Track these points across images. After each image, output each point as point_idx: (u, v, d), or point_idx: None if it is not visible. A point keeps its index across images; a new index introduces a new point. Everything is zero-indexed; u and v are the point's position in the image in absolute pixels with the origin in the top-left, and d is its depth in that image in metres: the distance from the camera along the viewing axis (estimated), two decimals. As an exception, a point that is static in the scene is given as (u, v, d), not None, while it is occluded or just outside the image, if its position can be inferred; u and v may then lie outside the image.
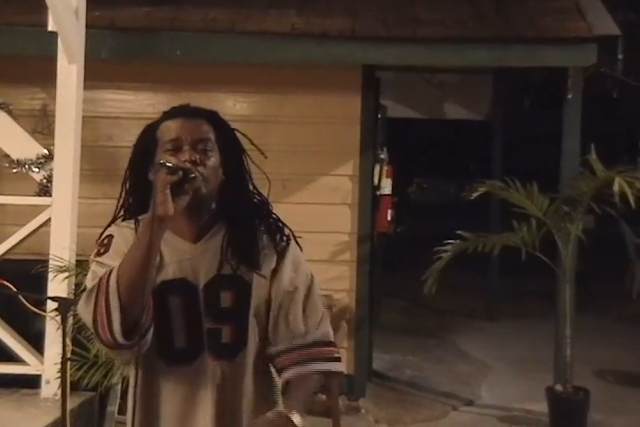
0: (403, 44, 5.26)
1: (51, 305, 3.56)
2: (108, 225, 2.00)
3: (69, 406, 3.30)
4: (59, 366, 3.22)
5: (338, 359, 2.03)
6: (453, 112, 8.54)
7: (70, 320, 3.65)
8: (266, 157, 2.05)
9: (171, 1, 5.44)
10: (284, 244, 1.99)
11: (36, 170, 4.30)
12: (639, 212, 5.25)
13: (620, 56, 5.03)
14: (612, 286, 9.41)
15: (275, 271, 1.96)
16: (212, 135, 1.94)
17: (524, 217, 5.17)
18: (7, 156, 4.34)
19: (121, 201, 2.00)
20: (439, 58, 5.44)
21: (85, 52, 4.30)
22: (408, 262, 8.70)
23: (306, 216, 4.77)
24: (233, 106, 5.40)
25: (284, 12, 5.37)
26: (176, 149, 1.89)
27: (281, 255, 1.98)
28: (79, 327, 3.80)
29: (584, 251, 5.30)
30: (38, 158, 4.31)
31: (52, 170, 4.25)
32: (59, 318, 3.20)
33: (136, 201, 1.97)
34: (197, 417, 1.90)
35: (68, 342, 3.20)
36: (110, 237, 1.94)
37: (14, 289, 3.58)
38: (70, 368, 3.45)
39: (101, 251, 1.92)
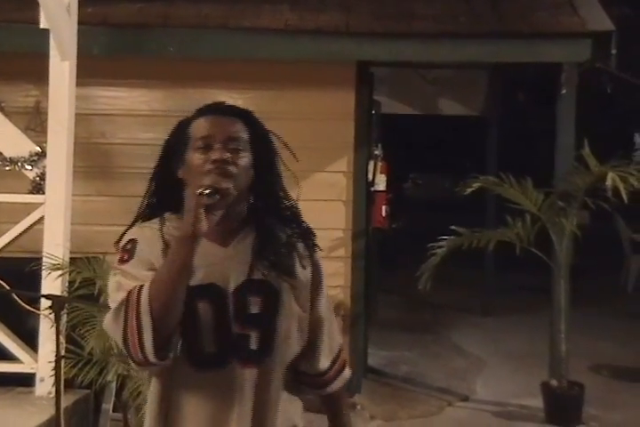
0: (397, 40, 5.26)
1: (44, 303, 3.55)
2: (130, 226, 1.91)
3: (64, 404, 3.29)
4: (53, 363, 3.21)
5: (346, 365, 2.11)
6: (448, 108, 8.53)
7: (64, 318, 3.66)
8: (297, 160, 1.99)
9: (163, -3, 5.42)
10: (316, 255, 1.98)
11: (29, 167, 4.29)
12: (634, 206, 5.27)
13: (613, 51, 5.03)
14: (607, 281, 9.43)
15: (314, 284, 1.96)
16: (244, 134, 1.88)
17: (519, 212, 5.17)
18: (0, 153, 4.32)
19: (146, 199, 1.93)
20: (434, 53, 5.44)
21: (78, 49, 4.28)
22: (403, 258, 8.71)
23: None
24: (227, 102, 5.38)
25: (278, 7, 5.35)
26: (207, 147, 1.83)
27: (316, 268, 1.97)
28: (73, 325, 3.82)
29: (579, 246, 5.31)
30: (31, 156, 4.29)
31: (44, 167, 4.23)
32: (52, 316, 3.20)
33: (163, 199, 1.91)
34: (223, 423, 1.85)
35: (62, 339, 3.20)
36: (133, 241, 1.85)
37: (8, 287, 3.57)
38: (65, 366, 3.44)
39: (125, 258, 1.83)
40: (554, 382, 5.14)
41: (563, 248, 5.07)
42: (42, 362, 4.03)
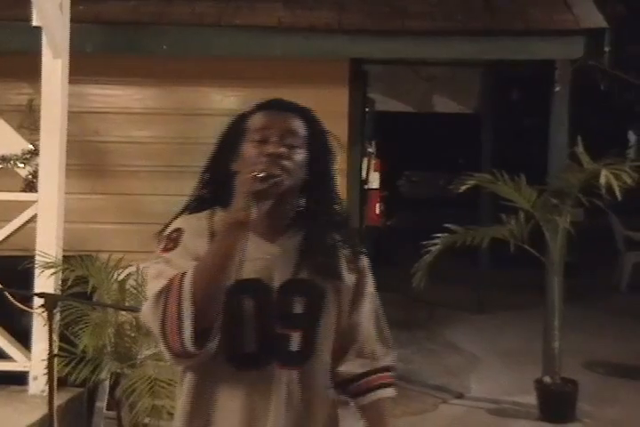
0: (390, 37, 5.26)
1: (37, 301, 3.54)
2: (176, 216, 1.89)
3: (57, 402, 3.30)
4: (46, 362, 3.21)
5: (394, 385, 2.03)
6: (442, 105, 8.54)
7: (57, 316, 3.65)
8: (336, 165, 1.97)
9: (157, -6, 5.41)
10: (363, 262, 1.95)
11: (22, 165, 4.28)
12: (628, 204, 5.28)
13: (607, 49, 5.03)
14: (601, 279, 9.44)
15: (357, 290, 1.92)
16: (302, 131, 1.86)
17: (513, 210, 5.18)
18: (-7, 151, 4.32)
19: (197, 191, 1.90)
20: (427, 51, 5.45)
21: (71, 47, 4.27)
22: (397, 256, 8.70)
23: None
24: (220, 100, 5.38)
25: (271, 5, 5.35)
26: (263, 140, 1.80)
27: (362, 274, 1.94)
28: (66, 323, 3.81)
29: (574, 243, 5.31)
30: (24, 154, 4.28)
31: (37, 165, 4.22)
32: (45, 314, 3.19)
33: (214, 192, 1.88)
34: (260, 424, 1.80)
35: (55, 337, 3.20)
36: (179, 231, 1.82)
37: (1, 285, 3.56)
38: (58, 364, 3.45)
39: (169, 246, 1.79)
40: (547, 379, 5.15)
41: (556, 245, 5.07)
42: (35, 360, 4.03)
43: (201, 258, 1.72)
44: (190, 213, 1.88)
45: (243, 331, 1.78)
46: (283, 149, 1.77)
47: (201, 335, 1.66)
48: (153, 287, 1.73)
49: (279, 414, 1.80)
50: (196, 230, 1.81)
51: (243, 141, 1.83)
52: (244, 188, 1.67)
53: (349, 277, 1.90)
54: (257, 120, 1.85)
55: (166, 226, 1.85)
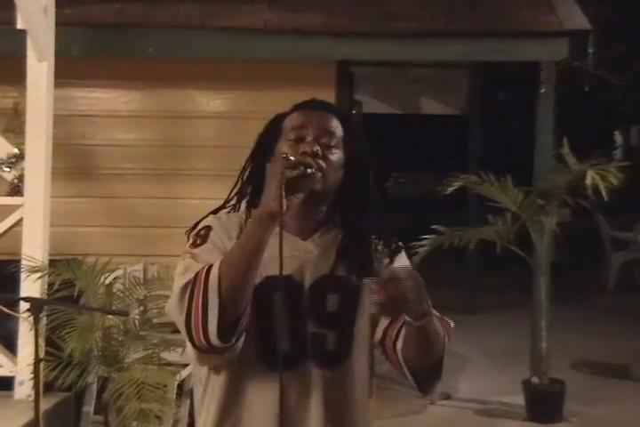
0: (377, 39, 5.26)
1: (23, 305, 3.52)
2: (207, 215, 1.85)
3: (43, 407, 3.28)
4: (32, 366, 3.19)
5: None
6: (429, 107, 8.54)
7: (43, 320, 3.63)
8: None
9: (142, -3, 5.40)
10: (396, 252, 1.89)
11: (7, 169, 4.25)
12: (616, 203, 5.29)
13: (590, 50, 5.05)
14: (588, 278, 9.47)
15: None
16: (339, 131, 1.82)
17: (499, 211, 5.18)
18: (-22, 155, 4.29)
19: (235, 190, 1.86)
20: (413, 52, 5.46)
21: (56, 50, 4.25)
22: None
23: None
24: (207, 103, 5.37)
25: (257, 7, 5.34)
26: (299, 139, 1.77)
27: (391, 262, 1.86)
28: (53, 327, 3.79)
29: (561, 243, 5.32)
30: (9, 158, 4.25)
31: (23, 169, 4.20)
32: (32, 319, 3.17)
33: (252, 191, 1.84)
34: (295, 425, 1.73)
35: (42, 342, 3.18)
36: (208, 228, 1.79)
37: (-14, 290, 3.54)
38: (44, 369, 3.43)
39: (197, 242, 1.77)
40: (535, 380, 5.16)
41: (543, 246, 5.08)
42: (21, 365, 4.00)
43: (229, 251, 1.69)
44: (222, 212, 1.86)
45: (274, 329, 1.71)
46: (318, 148, 1.73)
47: (227, 329, 1.62)
48: (179, 283, 1.68)
49: (317, 415, 1.74)
50: (226, 228, 1.79)
51: (278, 141, 1.81)
52: (274, 177, 1.61)
53: (380, 269, 1.83)
54: (293, 119, 1.82)
55: (196, 224, 1.82)
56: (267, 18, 5.25)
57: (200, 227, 1.80)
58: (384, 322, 1.80)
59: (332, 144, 1.79)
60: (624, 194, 5.38)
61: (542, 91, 5.30)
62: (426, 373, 1.81)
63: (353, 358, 1.78)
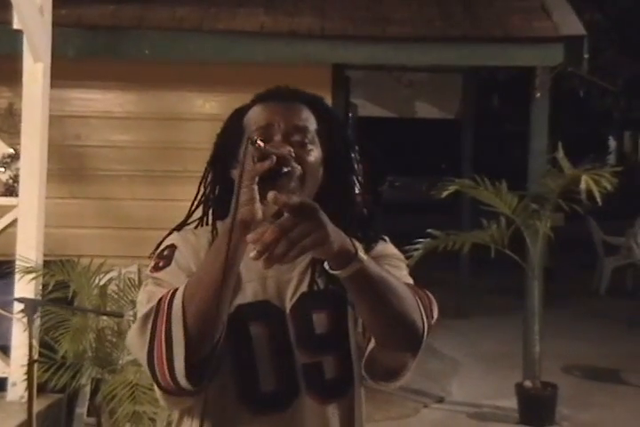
0: (372, 43, 5.26)
1: (17, 306, 3.51)
2: (171, 232, 1.57)
3: (36, 409, 3.27)
4: (25, 368, 3.18)
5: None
6: (424, 111, 8.57)
7: (37, 321, 3.62)
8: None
9: (138, -1, 5.40)
10: (373, 243, 1.60)
11: (2, 170, 4.25)
12: (608, 208, 5.30)
13: (585, 56, 5.07)
14: (580, 283, 9.49)
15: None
16: (312, 124, 1.53)
17: (493, 215, 5.19)
18: (-28, 156, 4.29)
19: (195, 203, 1.59)
20: (408, 57, 5.46)
21: (52, 51, 4.24)
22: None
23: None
24: (202, 105, 5.36)
25: (253, 10, 5.34)
26: (264, 140, 1.42)
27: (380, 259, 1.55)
28: (46, 329, 3.78)
29: (554, 248, 5.33)
30: (4, 158, 4.26)
31: (18, 170, 4.19)
32: (25, 320, 3.17)
33: (215, 204, 1.57)
34: None
35: (35, 343, 3.17)
36: (172, 247, 1.51)
37: (-21, 290, 3.53)
38: (37, 370, 3.42)
39: (160, 264, 1.49)
40: (527, 383, 5.17)
41: (536, 250, 5.09)
42: (14, 366, 3.98)
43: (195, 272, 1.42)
44: (187, 228, 1.59)
45: (256, 366, 1.46)
46: (289, 149, 1.42)
47: (197, 367, 1.33)
48: (140, 313, 1.43)
49: None
50: (192, 246, 1.52)
51: (241, 143, 1.47)
52: (243, 171, 1.30)
53: None
54: (256, 116, 1.54)
55: (160, 244, 1.56)
56: (263, 21, 5.25)
57: (163, 246, 1.53)
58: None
59: (307, 140, 1.51)
60: (616, 199, 5.39)
61: (537, 96, 5.31)
62: (395, 343, 1.46)
63: (359, 381, 1.54)
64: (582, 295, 9.00)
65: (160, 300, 1.37)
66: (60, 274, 3.94)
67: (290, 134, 1.50)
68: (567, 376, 6.05)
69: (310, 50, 5.18)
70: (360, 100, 7.44)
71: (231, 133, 1.56)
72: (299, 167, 1.42)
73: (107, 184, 5.28)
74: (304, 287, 1.50)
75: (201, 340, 1.33)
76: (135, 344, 1.40)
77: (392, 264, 1.58)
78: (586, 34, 5.09)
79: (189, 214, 1.59)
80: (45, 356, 3.68)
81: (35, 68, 4.13)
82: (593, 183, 4.73)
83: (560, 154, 5.06)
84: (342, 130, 1.63)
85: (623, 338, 7.24)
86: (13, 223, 4.16)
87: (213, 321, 1.33)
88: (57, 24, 4.28)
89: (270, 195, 1.21)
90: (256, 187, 1.29)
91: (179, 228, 1.58)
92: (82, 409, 4.10)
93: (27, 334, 3.14)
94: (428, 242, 5.16)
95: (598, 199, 4.72)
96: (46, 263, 4.10)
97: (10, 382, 4.05)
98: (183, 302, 1.33)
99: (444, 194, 5.20)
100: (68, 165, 5.13)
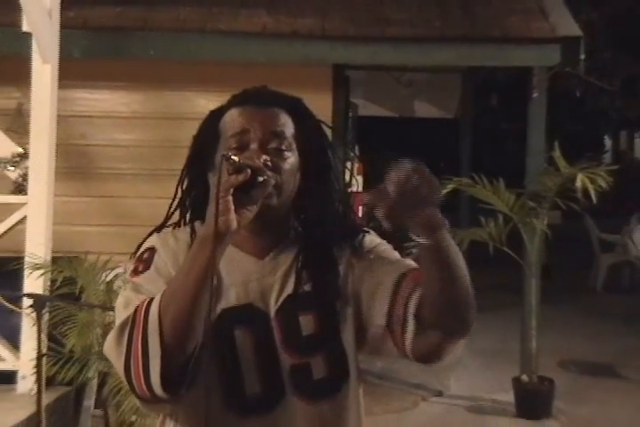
0: (372, 44, 5.30)
1: (26, 302, 3.56)
2: (150, 234, 1.55)
3: (45, 401, 3.30)
4: (34, 361, 3.23)
5: None
6: (423, 110, 8.60)
7: (46, 316, 3.67)
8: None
9: (143, 1, 5.44)
10: (366, 244, 1.58)
11: (12, 168, 4.29)
12: (604, 206, 5.35)
13: (582, 56, 5.11)
14: (576, 280, 9.52)
15: (369, 275, 1.54)
16: (289, 129, 1.50)
17: (491, 213, 5.23)
18: (-18, 155, 4.33)
19: (174, 206, 1.56)
20: (407, 57, 5.50)
21: (59, 52, 4.28)
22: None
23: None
24: (205, 104, 5.39)
25: (255, 11, 5.38)
26: (241, 147, 1.45)
27: (366, 257, 1.57)
28: (54, 323, 3.83)
29: (551, 245, 5.37)
30: (13, 157, 4.29)
31: (27, 168, 4.23)
32: (34, 315, 3.21)
33: (192, 206, 1.54)
34: None
35: (44, 337, 3.22)
36: (152, 250, 1.49)
37: (-10, 286, 3.58)
38: (46, 364, 3.46)
39: (139, 268, 1.47)
40: (525, 378, 5.21)
41: (534, 247, 5.13)
42: (24, 360, 4.03)
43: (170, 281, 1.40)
44: (167, 229, 1.56)
45: (241, 370, 1.44)
46: (266, 158, 1.41)
47: (173, 377, 1.32)
48: (118, 319, 1.41)
49: None
50: (172, 249, 1.49)
51: (217, 149, 1.49)
52: (218, 182, 1.31)
53: (353, 284, 1.54)
54: (232, 122, 1.50)
55: (139, 246, 1.53)
56: (265, 22, 5.30)
57: (142, 249, 1.51)
58: (380, 304, 1.49)
59: (283, 147, 1.48)
60: (612, 197, 5.44)
61: (534, 95, 5.35)
62: (455, 322, 1.48)
63: (351, 381, 1.52)
64: (579, 292, 9.03)
65: (136, 309, 1.36)
66: (67, 270, 3.98)
67: (266, 142, 1.47)
68: (563, 371, 6.09)
69: (311, 50, 5.22)
70: (360, 99, 7.47)
71: (207, 137, 1.53)
72: (273, 176, 1.40)
73: (112, 182, 5.33)
74: (289, 290, 1.48)
75: (177, 350, 1.32)
76: (112, 353, 1.39)
77: (387, 249, 1.60)
78: (582, 35, 5.13)
79: (167, 217, 1.56)
80: (54, 350, 3.72)
81: (43, 69, 4.17)
82: (589, 182, 4.77)
83: (557, 153, 5.10)
84: (319, 131, 1.59)
85: (619, 334, 7.27)
86: (22, 221, 4.20)
87: (189, 332, 1.32)
88: (64, 26, 4.32)
89: None
90: (231, 198, 1.30)
91: (158, 229, 1.55)
92: (89, 402, 4.13)
93: (35, 328, 3.18)
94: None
95: (594, 198, 4.76)
96: (54, 260, 4.14)
97: (20, 375, 4.09)
98: (160, 314, 1.33)
99: (443, 192, 5.24)
100: (74, 163, 5.18)
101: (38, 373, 3.20)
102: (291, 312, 1.47)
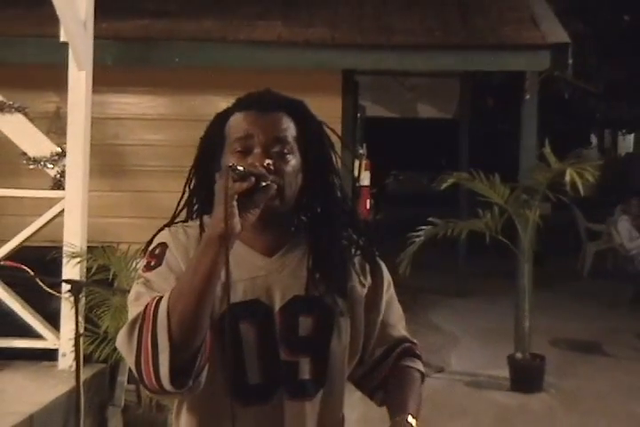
0: (378, 51, 5.27)
1: (65, 287, 3.57)
2: (160, 229, 1.48)
3: (83, 377, 3.32)
4: (73, 341, 3.23)
5: (420, 357, 1.66)
6: (425, 111, 8.57)
7: (82, 300, 3.68)
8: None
9: (168, 13, 5.43)
10: (378, 266, 1.56)
11: (51, 166, 4.28)
12: (591, 198, 5.31)
13: (570, 61, 5.07)
14: (565, 266, 9.49)
15: (374, 295, 1.54)
16: (292, 133, 1.45)
17: (488, 205, 5.21)
18: (25, 154, 4.32)
19: (182, 203, 1.51)
20: (410, 63, 5.48)
21: (93, 60, 4.28)
22: (384, 246, 8.72)
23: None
24: (225, 107, 5.39)
25: (271, 22, 5.37)
26: (245, 151, 1.41)
27: (376, 280, 1.55)
28: (90, 307, 3.84)
29: (542, 234, 5.35)
30: (52, 156, 4.28)
31: (64, 166, 4.23)
32: (72, 299, 3.21)
33: (200, 203, 1.50)
34: None
35: (81, 319, 3.21)
36: (163, 246, 1.43)
37: (32, 273, 3.58)
38: (83, 343, 3.47)
39: (152, 264, 1.41)
40: (518, 355, 5.20)
41: (527, 236, 5.11)
42: (63, 339, 4.05)
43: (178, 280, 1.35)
44: (177, 225, 1.49)
45: (244, 361, 1.41)
46: (269, 162, 1.37)
47: (181, 372, 1.30)
48: (131, 313, 1.38)
49: None
50: (183, 246, 1.43)
51: (223, 151, 1.45)
52: (221, 192, 1.27)
53: (360, 290, 1.52)
54: (236, 125, 1.45)
55: (150, 240, 1.47)
56: (280, 32, 5.27)
57: (154, 244, 1.45)
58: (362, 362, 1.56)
59: (286, 151, 1.43)
60: (598, 190, 5.40)
61: (527, 98, 5.32)
62: None
63: (329, 386, 1.48)
64: (567, 277, 8.99)
65: (146, 306, 1.32)
66: (101, 259, 3.99)
67: (269, 146, 1.42)
68: (554, 349, 6.07)
69: (323, 57, 5.20)
70: (367, 102, 7.44)
71: (214, 139, 1.49)
72: (276, 179, 1.36)
73: (142, 178, 5.33)
74: (297, 290, 1.44)
75: (185, 347, 1.29)
76: (124, 348, 1.35)
77: (394, 300, 1.62)
78: (570, 42, 5.09)
79: (175, 215, 1.51)
80: (90, 331, 3.74)
81: (78, 76, 4.17)
82: (577, 176, 4.75)
83: (547, 150, 5.07)
84: (320, 131, 1.52)
85: (604, 315, 7.25)
86: (61, 214, 4.20)
87: (195, 328, 1.29)
88: (98, 36, 4.31)
89: None
90: (235, 203, 1.27)
91: (168, 225, 1.49)
92: (123, 377, 4.15)
93: (73, 311, 3.18)
94: (429, 229, 5.18)
95: (581, 190, 4.73)
96: (89, 249, 4.14)
97: (60, 353, 4.10)
98: (168, 312, 1.29)
99: (444, 186, 5.22)
100: (107, 161, 5.17)
101: (76, 351, 3.21)
102: (293, 313, 1.44)
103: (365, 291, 1.52)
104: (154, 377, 1.29)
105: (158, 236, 1.47)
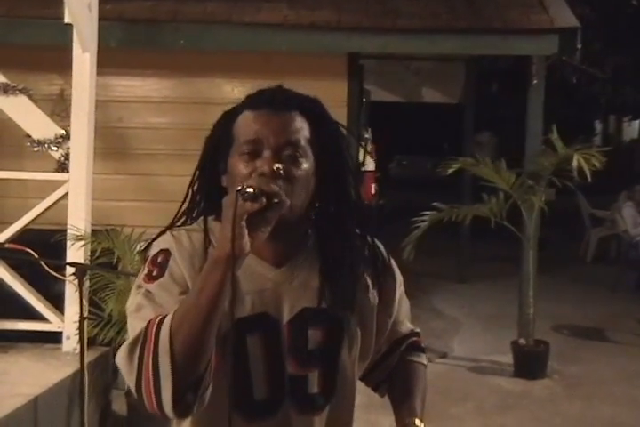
0: (383, 34, 5.24)
1: (69, 270, 3.56)
2: (161, 233, 1.38)
3: (87, 359, 3.32)
4: (77, 323, 3.23)
5: (424, 350, 1.65)
6: (430, 96, 8.51)
7: (86, 283, 3.67)
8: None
9: (173, -6, 5.38)
10: (389, 272, 1.50)
11: (55, 149, 4.26)
12: (594, 184, 5.29)
13: (578, 46, 5.02)
14: (569, 251, 9.48)
15: (387, 299, 1.49)
16: (305, 134, 1.34)
17: (492, 190, 5.19)
18: (29, 136, 4.30)
19: (186, 204, 1.42)
20: (416, 47, 5.44)
21: (98, 42, 4.25)
22: (389, 230, 8.72)
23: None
24: (231, 90, 5.36)
25: (276, 5, 5.32)
26: (254, 154, 1.30)
27: (387, 286, 1.49)
28: (94, 290, 3.84)
29: (546, 220, 5.33)
30: (56, 138, 4.26)
31: (69, 149, 4.21)
32: (76, 282, 3.21)
33: (205, 204, 1.41)
34: None
35: (85, 302, 3.21)
36: (166, 253, 1.33)
37: (37, 256, 3.58)
38: (87, 326, 3.47)
39: (153, 273, 1.32)
40: (522, 341, 5.20)
41: (531, 222, 5.09)
42: (67, 322, 4.05)
43: (185, 296, 1.27)
44: (183, 230, 1.38)
45: (251, 376, 1.35)
46: (279, 166, 1.28)
47: (184, 396, 1.22)
48: (131, 325, 1.30)
49: None
50: (188, 253, 1.33)
51: (230, 152, 1.35)
52: (230, 210, 1.18)
53: (373, 298, 1.45)
54: (245, 126, 1.34)
55: (150, 243, 1.39)
56: (286, 14, 5.23)
57: (157, 250, 1.35)
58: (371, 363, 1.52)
59: (298, 154, 1.32)
60: (602, 176, 5.37)
61: (534, 83, 5.27)
62: None
63: (339, 400, 1.42)
64: (571, 263, 8.99)
65: (147, 327, 1.24)
66: (105, 242, 3.99)
67: (280, 149, 1.31)
68: (557, 335, 6.07)
69: (328, 40, 5.16)
70: (372, 86, 7.40)
71: (221, 140, 1.38)
72: (287, 201, 1.24)
73: (146, 162, 5.31)
74: (306, 302, 1.37)
75: (188, 371, 1.21)
76: (124, 368, 1.27)
77: (404, 297, 1.58)
78: (579, 26, 5.04)
79: (178, 217, 1.42)
80: (94, 314, 3.73)
81: (83, 58, 4.14)
82: (584, 161, 4.72)
83: (554, 135, 5.04)
84: (336, 133, 1.41)
85: (607, 301, 7.25)
86: (65, 196, 4.19)
87: (200, 352, 1.21)
88: (102, 18, 4.28)
89: None
90: (244, 223, 1.18)
91: (170, 228, 1.40)
92: (127, 361, 4.14)
93: (77, 294, 3.18)
94: (434, 214, 5.17)
95: (589, 176, 4.70)
96: (94, 232, 4.14)
97: (64, 335, 4.11)
98: (171, 335, 1.21)
99: (449, 171, 5.20)
100: (111, 144, 5.15)
101: (81, 334, 3.21)
102: (302, 325, 1.37)
103: (377, 299, 1.46)
104: (155, 402, 1.22)
105: (160, 240, 1.37)
